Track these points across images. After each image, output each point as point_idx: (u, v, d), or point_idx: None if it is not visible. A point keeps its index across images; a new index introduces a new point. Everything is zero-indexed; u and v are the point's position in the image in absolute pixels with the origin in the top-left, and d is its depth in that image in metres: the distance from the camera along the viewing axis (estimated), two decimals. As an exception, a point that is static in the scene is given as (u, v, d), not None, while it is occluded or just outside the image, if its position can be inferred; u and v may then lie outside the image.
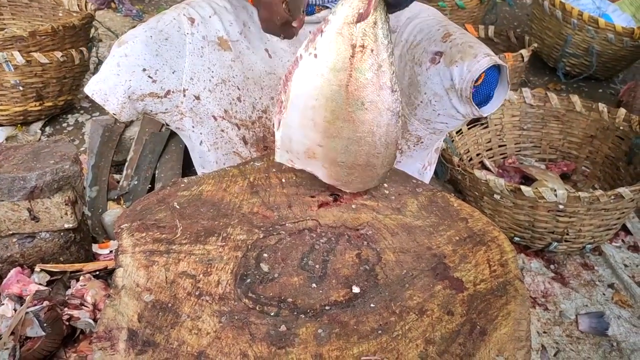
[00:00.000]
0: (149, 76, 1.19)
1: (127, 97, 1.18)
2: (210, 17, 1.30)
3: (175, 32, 1.24)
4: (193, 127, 1.31)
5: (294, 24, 1.03)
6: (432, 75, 1.22)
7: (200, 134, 1.32)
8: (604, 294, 1.51)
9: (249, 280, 0.90)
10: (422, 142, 1.36)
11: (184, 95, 1.25)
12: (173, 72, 1.23)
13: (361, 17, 0.87)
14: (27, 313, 1.14)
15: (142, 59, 1.18)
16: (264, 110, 1.34)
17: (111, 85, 1.17)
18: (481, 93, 1.20)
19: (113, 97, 1.17)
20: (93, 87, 1.18)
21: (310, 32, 0.97)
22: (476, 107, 1.18)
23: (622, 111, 1.79)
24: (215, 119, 1.30)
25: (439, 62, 1.20)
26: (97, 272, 1.32)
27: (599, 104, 1.85)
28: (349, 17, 0.87)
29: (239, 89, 1.31)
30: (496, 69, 1.20)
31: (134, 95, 1.19)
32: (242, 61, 1.31)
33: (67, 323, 1.18)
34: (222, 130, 1.32)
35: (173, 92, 1.24)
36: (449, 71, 1.17)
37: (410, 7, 1.13)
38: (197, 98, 1.27)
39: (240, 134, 1.33)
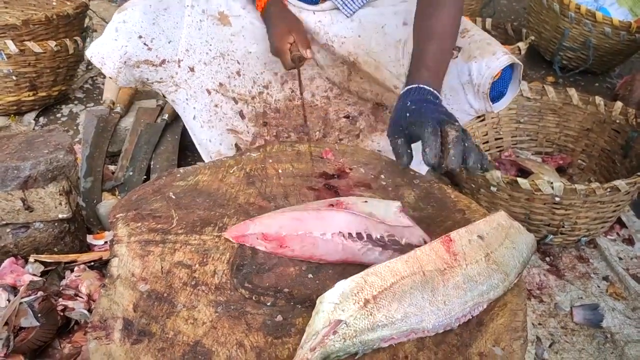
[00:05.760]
0: (145, 43, 1.22)
1: (123, 62, 1.23)
2: None
3: (175, 3, 1.27)
4: (187, 99, 1.33)
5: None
6: (449, 69, 1.22)
7: (194, 108, 1.34)
8: (598, 286, 1.51)
9: (245, 271, 0.90)
10: None
11: (179, 66, 1.28)
12: (169, 42, 1.25)
13: None
14: (21, 303, 1.13)
15: (139, 26, 1.21)
16: (265, 85, 1.35)
17: (109, 49, 1.21)
18: (495, 89, 1.22)
19: (110, 60, 1.22)
20: (92, 50, 1.23)
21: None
22: (490, 102, 1.20)
23: (619, 104, 1.79)
24: (209, 92, 1.32)
25: (457, 56, 1.21)
26: (92, 263, 1.31)
27: (596, 97, 1.85)
28: None
29: (238, 63, 1.32)
30: (510, 67, 1.21)
31: (130, 61, 1.23)
32: (244, 36, 1.32)
33: (62, 314, 1.17)
34: (216, 106, 1.33)
35: (168, 61, 1.27)
36: (466, 66, 1.19)
37: None
38: (192, 70, 1.29)
39: (238, 108, 1.34)
